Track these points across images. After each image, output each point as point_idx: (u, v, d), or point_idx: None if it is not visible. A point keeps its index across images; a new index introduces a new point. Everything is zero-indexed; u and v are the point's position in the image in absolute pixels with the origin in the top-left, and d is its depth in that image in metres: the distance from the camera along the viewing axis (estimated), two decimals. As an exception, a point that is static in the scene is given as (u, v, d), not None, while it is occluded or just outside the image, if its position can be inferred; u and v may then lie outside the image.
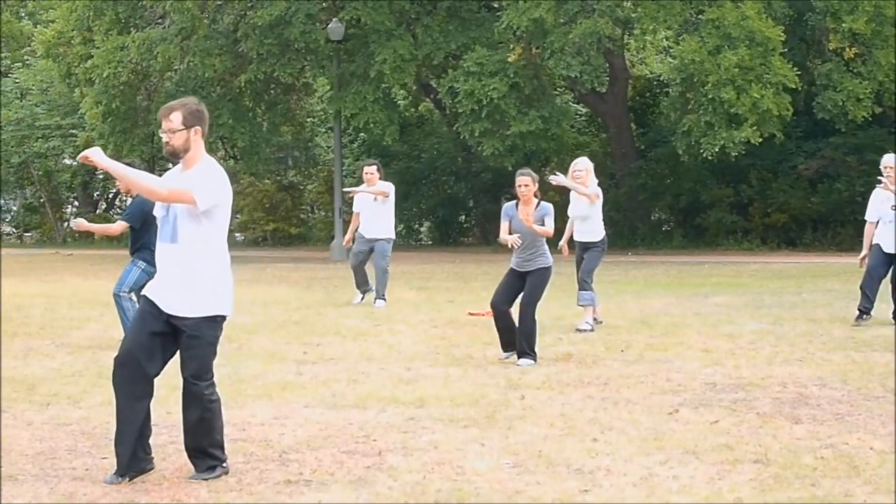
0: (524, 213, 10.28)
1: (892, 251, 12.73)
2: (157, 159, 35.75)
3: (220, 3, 30.10)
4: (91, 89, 31.03)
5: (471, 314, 13.92)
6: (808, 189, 30.49)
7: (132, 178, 6.27)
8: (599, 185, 13.10)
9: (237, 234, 40.19)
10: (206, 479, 6.11)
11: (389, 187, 15.69)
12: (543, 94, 28.48)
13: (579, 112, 35.15)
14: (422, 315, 14.24)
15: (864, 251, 13.11)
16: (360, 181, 15.80)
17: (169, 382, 6.64)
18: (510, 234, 10.36)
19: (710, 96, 25.69)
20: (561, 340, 11.70)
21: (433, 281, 20.42)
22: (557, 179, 12.37)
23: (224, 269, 6.22)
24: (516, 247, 10.27)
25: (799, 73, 26.33)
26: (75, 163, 42.92)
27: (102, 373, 9.11)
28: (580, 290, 12.55)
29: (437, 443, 6.98)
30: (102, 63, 29.66)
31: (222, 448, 6.28)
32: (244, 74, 29.30)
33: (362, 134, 34.89)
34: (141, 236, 11.11)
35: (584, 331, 12.29)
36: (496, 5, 29.72)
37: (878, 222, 12.94)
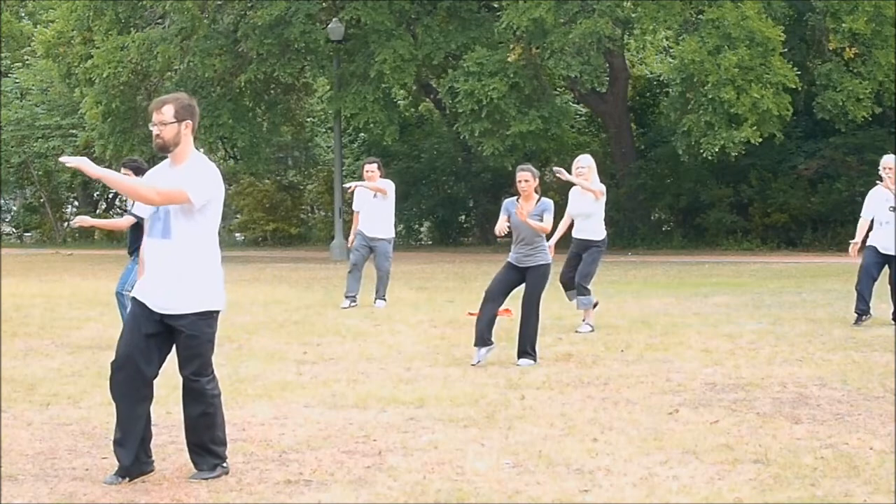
0: (521, 208, 10.28)
1: (891, 252, 12.72)
2: (157, 159, 35.67)
3: (220, 3, 30.11)
4: (91, 89, 31.04)
5: (471, 314, 13.88)
6: (808, 189, 30.50)
7: (125, 187, 6.32)
8: (600, 184, 13.07)
9: (237, 234, 40.20)
10: (206, 479, 6.11)
11: (389, 185, 15.67)
12: (543, 94, 28.49)
13: (579, 112, 35.16)
14: (422, 315, 14.24)
15: (857, 240, 13.03)
16: (360, 180, 15.79)
17: (168, 382, 6.64)
18: (509, 230, 10.37)
19: (710, 96, 25.70)
20: (561, 340, 11.70)
21: (433, 281, 20.43)
22: (562, 174, 12.35)
23: (216, 263, 6.20)
24: (503, 233, 10.29)
25: (799, 73, 26.34)
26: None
27: (102, 373, 9.10)
28: (578, 295, 12.51)
29: (437, 443, 6.98)
30: (102, 63, 29.67)
31: (224, 445, 6.28)
32: (244, 74, 29.30)
33: (362, 134, 34.90)
34: (140, 235, 11.09)
35: (584, 332, 12.29)
36: (496, 5, 29.71)
37: (872, 220, 12.92)
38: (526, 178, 10.35)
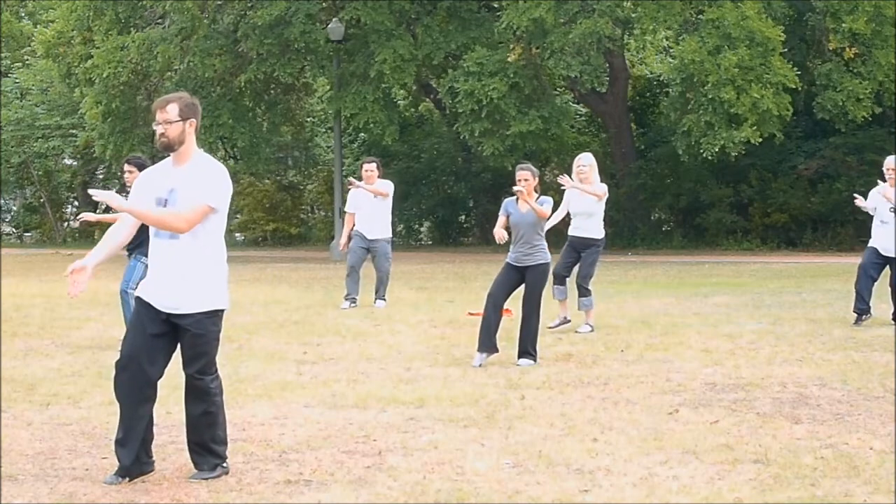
0: (524, 199, 10.28)
1: (892, 254, 12.71)
2: (158, 158, 35.68)
3: (220, 3, 30.11)
4: (91, 89, 31.03)
5: (471, 314, 13.90)
6: (808, 189, 30.51)
7: (153, 219, 6.08)
8: (600, 185, 13.07)
9: (237, 234, 40.19)
10: (207, 479, 6.11)
11: (389, 186, 15.66)
12: (543, 94, 28.49)
13: (579, 112, 35.17)
14: (421, 315, 14.24)
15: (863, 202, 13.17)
16: (359, 180, 15.78)
17: (169, 382, 6.63)
18: (509, 230, 10.37)
19: (710, 96, 25.70)
20: (561, 340, 11.70)
21: (433, 281, 20.43)
22: (567, 182, 12.37)
23: (223, 262, 6.22)
24: (502, 240, 10.29)
25: (799, 73, 26.34)
26: (75, 163, 42.95)
27: (102, 373, 9.12)
28: (579, 296, 12.51)
29: (437, 443, 6.98)
30: (102, 63, 29.67)
31: (225, 444, 6.28)
32: (244, 74, 29.31)
33: (362, 134, 34.90)
34: (141, 233, 11.10)
35: (584, 332, 12.30)
36: (496, 5, 29.72)
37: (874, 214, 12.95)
38: (525, 177, 10.36)
